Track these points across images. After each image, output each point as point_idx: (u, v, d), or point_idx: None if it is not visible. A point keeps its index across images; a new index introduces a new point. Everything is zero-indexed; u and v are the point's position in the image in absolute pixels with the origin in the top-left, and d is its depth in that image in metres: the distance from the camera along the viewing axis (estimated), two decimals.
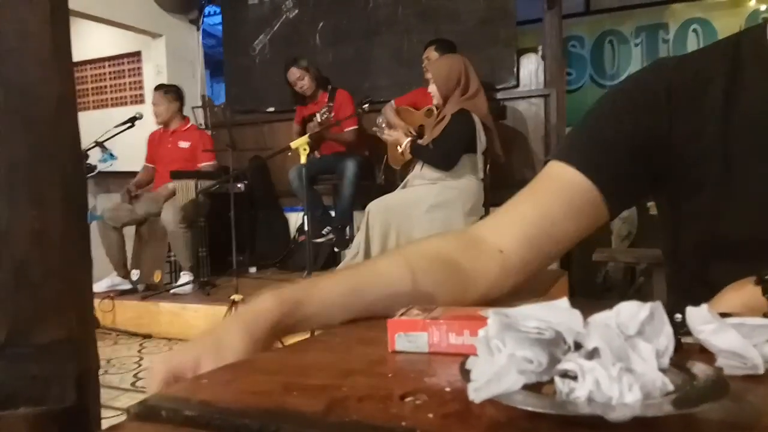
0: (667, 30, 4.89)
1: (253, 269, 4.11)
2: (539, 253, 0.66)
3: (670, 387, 0.30)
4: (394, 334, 0.45)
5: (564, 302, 0.34)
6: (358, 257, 2.69)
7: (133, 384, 2.54)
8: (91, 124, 3.11)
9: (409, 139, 2.78)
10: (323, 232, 4.02)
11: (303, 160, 2.48)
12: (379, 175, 3.93)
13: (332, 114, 3.48)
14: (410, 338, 0.44)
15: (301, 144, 2.45)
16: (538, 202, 0.67)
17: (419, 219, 2.63)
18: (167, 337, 3.19)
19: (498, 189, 3.32)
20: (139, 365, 2.82)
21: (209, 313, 3.14)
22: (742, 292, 0.57)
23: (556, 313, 0.33)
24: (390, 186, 3.46)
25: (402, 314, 0.46)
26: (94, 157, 3.46)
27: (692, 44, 4.80)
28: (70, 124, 0.81)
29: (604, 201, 0.66)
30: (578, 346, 0.32)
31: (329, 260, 3.98)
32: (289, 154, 2.91)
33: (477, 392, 0.30)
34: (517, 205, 0.68)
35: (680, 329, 0.41)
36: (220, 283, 3.61)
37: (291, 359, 0.45)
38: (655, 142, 0.67)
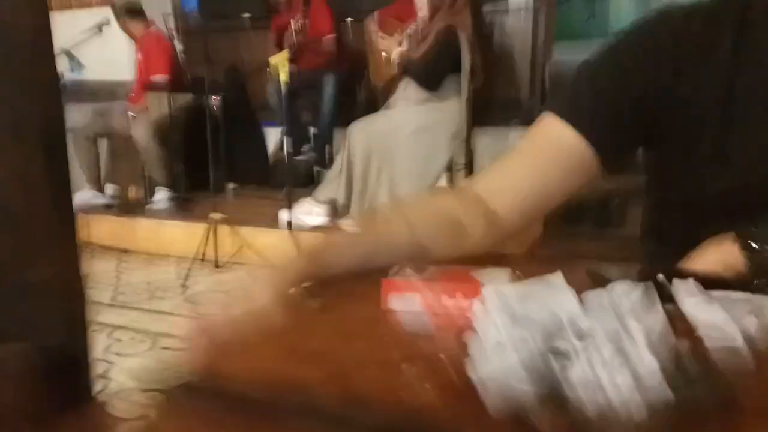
0: None
1: (231, 185, 4.08)
2: (532, 215, 0.68)
3: (658, 372, 0.31)
4: (387, 293, 0.46)
5: (559, 278, 0.35)
6: (339, 180, 2.68)
7: (112, 299, 2.57)
8: (55, 29, 2.93)
9: (401, 49, 2.67)
10: (302, 149, 3.98)
11: (282, 77, 2.39)
12: (359, 92, 3.84)
13: (307, 20, 3.32)
14: (404, 299, 0.45)
15: (280, 60, 2.35)
16: (535, 167, 0.68)
17: (403, 142, 2.60)
18: (146, 252, 3.21)
19: (482, 109, 3.29)
20: (118, 279, 2.84)
21: (187, 230, 3.14)
22: (721, 249, 0.59)
23: (552, 292, 0.34)
24: (371, 104, 3.39)
25: (395, 273, 0.47)
26: (62, 65, 3.29)
27: None
28: (47, 59, 0.76)
29: (599, 161, 0.67)
30: (573, 325, 0.33)
31: (309, 178, 3.96)
32: (268, 69, 2.80)
33: (475, 369, 0.31)
34: (515, 166, 0.69)
35: (662, 291, 0.43)
36: (198, 200, 3.58)
37: (293, 322, 0.46)
38: (658, 99, 0.66)
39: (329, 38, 3.52)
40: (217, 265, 2.90)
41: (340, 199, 2.71)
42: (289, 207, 2.52)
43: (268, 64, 2.44)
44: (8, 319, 0.68)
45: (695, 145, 0.66)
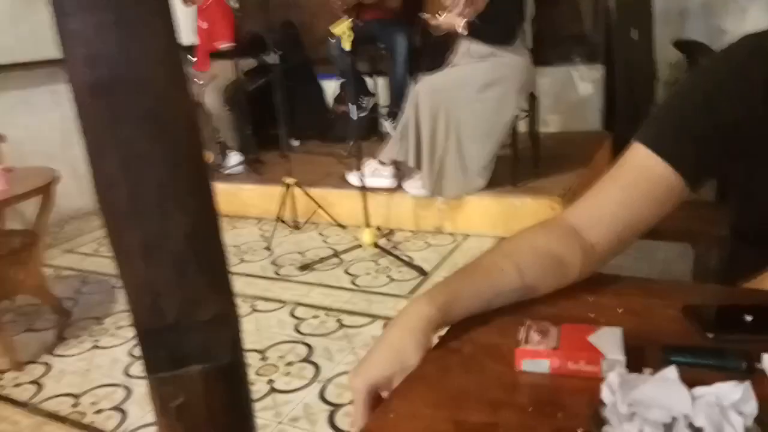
0: None
1: (295, 142, 4.21)
2: (625, 244, 0.74)
3: None
4: (521, 359, 0.57)
5: (673, 374, 0.46)
6: (406, 139, 2.73)
7: None
8: None
9: (465, 21, 2.63)
10: (362, 102, 4.02)
11: (347, 46, 2.43)
12: (415, 39, 3.81)
13: None
14: (535, 363, 0.57)
15: (343, 30, 2.39)
16: (625, 198, 0.73)
17: (470, 99, 2.61)
18: (226, 215, 3.42)
19: (545, 47, 3.22)
20: None
21: (264, 193, 3.33)
22: None
23: (669, 392, 0.44)
24: (432, 56, 3.38)
25: (524, 340, 0.58)
26: None
27: None
28: (197, 137, 0.88)
29: (686, 187, 0.72)
30: (686, 419, 0.44)
31: (371, 131, 4.04)
32: (330, 38, 2.84)
33: None
34: (606, 198, 0.74)
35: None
36: (268, 160, 3.75)
37: (443, 384, 0.58)
38: (747, 126, 0.69)
39: None
40: (295, 227, 3.09)
41: (410, 159, 2.77)
42: (359, 169, 2.62)
43: (332, 31, 2.47)
44: (190, 347, 0.84)
45: None
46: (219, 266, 0.93)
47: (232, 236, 3.15)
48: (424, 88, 2.67)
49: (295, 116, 4.26)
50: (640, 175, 0.75)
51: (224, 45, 3.61)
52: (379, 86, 4.05)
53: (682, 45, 4.13)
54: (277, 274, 2.63)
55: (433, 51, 2.88)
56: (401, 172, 2.92)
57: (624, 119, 3.11)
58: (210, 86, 3.52)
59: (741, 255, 0.87)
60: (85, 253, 3.12)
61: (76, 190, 2.85)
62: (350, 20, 2.44)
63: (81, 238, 3.35)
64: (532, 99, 2.94)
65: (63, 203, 3.28)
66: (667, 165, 0.72)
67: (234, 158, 3.65)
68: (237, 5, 3.95)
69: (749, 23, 4.53)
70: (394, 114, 3.57)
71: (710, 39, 4.11)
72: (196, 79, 3.67)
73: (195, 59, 3.79)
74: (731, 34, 0.83)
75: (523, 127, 2.99)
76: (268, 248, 2.90)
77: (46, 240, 2.62)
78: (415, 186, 2.84)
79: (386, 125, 3.89)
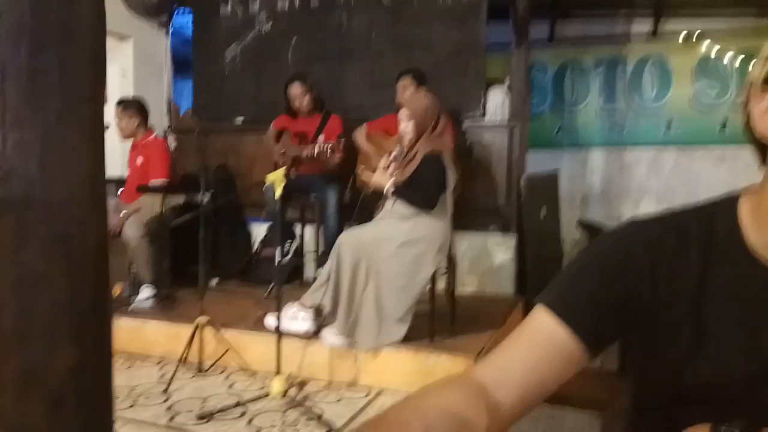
0: (625, 64, 5.14)
1: (213, 281, 4.12)
2: (530, 405, 0.76)
3: None
4: None
5: None
6: (327, 287, 2.76)
7: None
8: None
9: (392, 181, 2.84)
10: (286, 246, 4.06)
11: (278, 193, 2.52)
12: (346, 194, 4.00)
13: (332, 151, 3.50)
14: None
15: (277, 178, 2.49)
16: (532, 361, 0.75)
17: (390, 254, 2.71)
18: (127, 351, 3.18)
19: (463, 215, 3.46)
20: None
21: (172, 331, 3.15)
22: None
23: None
24: (355, 205, 3.55)
25: None
26: None
27: (648, 80, 5.07)
28: (103, 266, 0.86)
29: (587, 352, 0.76)
30: None
31: (294, 275, 4.04)
32: (265, 185, 2.95)
33: None
34: (514, 359, 0.76)
35: None
36: (182, 297, 3.61)
37: None
38: (637, 304, 0.76)
39: (340, 156, 3.67)
40: (200, 370, 2.89)
41: (327, 306, 2.77)
42: (278, 312, 2.58)
43: (268, 179, 2.56)
44: None
45: (673, 341, 0.76)
46: (101, 408, 0.85)
47: (127, 376, 2.89)
48: (348, 239, 2.76)
49: (217, 255, 4.22)
50: (544, 338, 0.78)
51: (159, 181, 3.64)
52: (305, 234, 4.13)
53: (584, 225, 4.58)
54: (170, 421, 2.39)
55: (361, 206, 3.03)
56: (320, 319, 2.89)
57: (534, 287, 3.30)
58: (132, 218, 3.47)
59: (640, 427, 0.89)
60: None
61: None
62: (285, 170, 2.56)
63: None
64: (451, 260, 3.08)
65: None
66: (569, 330, 0.76)
67: (145, 292, 3.48)
68: (175, 144, 4.07)
69: (642, 209, 5.13)
70: (323, 262, 3.62)
71: (609, 221, 4.60)
72: (119, 210, 3.61)
73: (121, 190, 3.77)
74: (627, 217, 0.95)
75: (440, 285, 3.10)
76: (165, 392, 2.68)
77: None
78: (332, 335, 2.79)
79: (311, 271, 3.92)
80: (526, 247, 3.83)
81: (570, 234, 4.40)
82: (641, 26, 5.03)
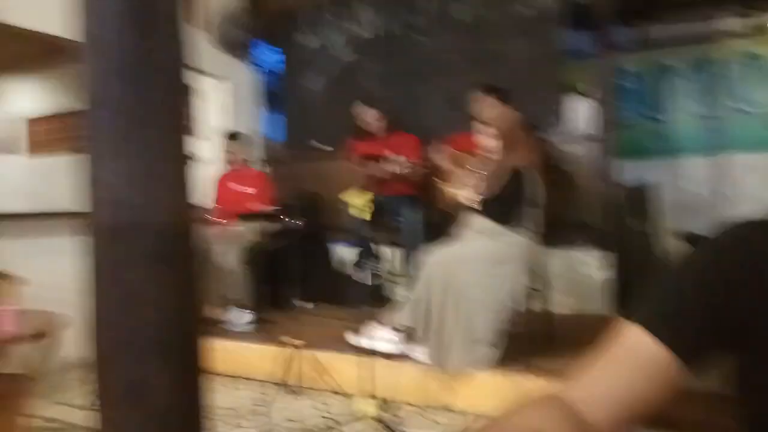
0: (723, 65, 4.80)
1: (307, 304, 4.23)
2: (622, 426, 0.71)
3: None
4: None
5: None
6: (415, 308, 2.75)
7: None
8: None
9: (476, 197, 2.82)
10: (373, 269, 4.11)
11: (366, 216, 2.57)
12: (429, 214, 4.01)
13: (409, 167, 3.57)
14: None
15: (364, 201, 2.55)
16: (624, 380, 0.70)
17: (479, 274, 2.66)
18: (227, 373, 3.32)
19: (554, 232, 3.36)
20: None
21: (268, 353, 3.26)
22: None
23: None
24: (437, 224, 3.54)
25: None
26: None
27: (746, 81, 4.71)
28: (199, 286, 0.92)
29: (684, 369, 0.70)
30: None
31: (381, 297, 4.07)
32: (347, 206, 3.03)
33: None
34: (605, 378, 0.72)
35: None
36: (277, 319, 3.74)
37: None
38: (738, 316, 0.69)
39: (421, 167, 3.72)
40: (297, 392, 2.97)
41: (415, 327, 2.76)
42: (367, 333, 2.61)
43: (345, 200, 2.63)
44: None
45: None
46: (200, 423, 0.90)
47: (228, 397, 3.02)
48: (434, 260, 2.75)
49: (308, 279, 4.35)
50: (638, 357, 0.73)
51: (269, 208, 3.93)
52: (391, 255, 4.16)
53: (687, 237, 4.27)
54: None
55: (442, 224, 3.02)
56: (403, 338, 2.88)
57: (634, 305, 3.11)
58: (231, 244, 3.66)
59: None
60: (76, 405, 2.99)
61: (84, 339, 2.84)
62: (361, 190, 2.60)
63: (79, 388, 3.24)
64: (543, 279, 2.98)
65: (70, 352, 3.24)
66: (665, 348, 0.71)
67: (244, 316, 3.64)
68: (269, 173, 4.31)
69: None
70: (410, 283, 3.63)
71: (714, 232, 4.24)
72: (219, 237, 3.83)
73: (217, 219, 4.00)
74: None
75: (535, 305, 2.99)
76: (265, 414, 2.77)
77: (39, 388, 2.54)
78: (421, 353, 2.77)
79: (399, 292, 3.93)
80: (624, 263, 3.64)
81: (671, 247, 4.13)
82: (735, 23, 4.69)
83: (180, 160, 0.69)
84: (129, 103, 0.69)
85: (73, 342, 2.54)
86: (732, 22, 4.71)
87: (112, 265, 0.70)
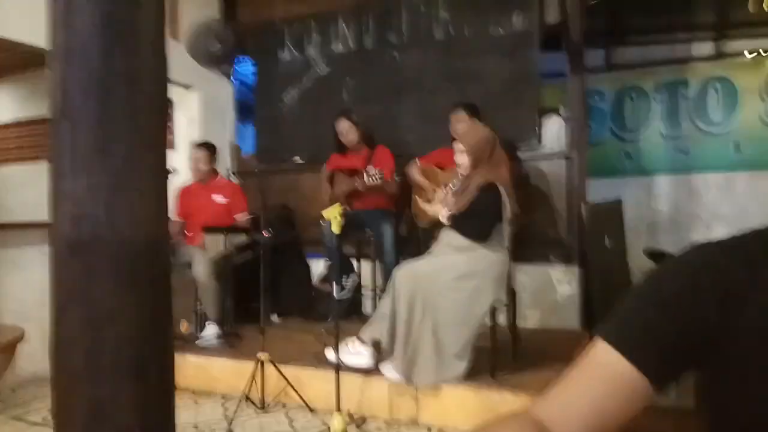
0: (687, 87, 4.97)
1: (274, 317, 4.18)
2: None
3: None
4: None
5: None
6: (384, 322, 2.74)
7: None
8: None
9: (449, 212, 2.83)
10: (344, 281, 4.09)
11: (336, 229, 2.56)
12: (401, 228, 4.02)
13: (382, 177, 3.55)
14: None
15: (334, 213, 2.53)
16: (593, 397, 0.72)
17: (448, 288, 2.68)
18: (192, 388, 3.26)
19: (523, 247, 3.39)
20: None
21: (235, 368, 3.21)
22: None
23: None
24: (411, 239, 3.56)
25: None
26: None
27: (713, 102, 4.87)
28: (167, 303, 0.90)
29: (652, 386, 0.72)
30: None
31: (353, 311, 4.06)
32: (321, 221, 3.00)
33: None
34: (574, 395, 0.73)
35: None
36: (244, 333, 3.68)
37: None
38: (704, 334, 0.70)
39: (395, 183, 3.71)
40: (262, 406, 2.92)
41: (384, 340, 2.75)
42: (337, 347, 2.58)
43: (324, 215, 2.61)
44: None
45: (747, 374, 0.69)
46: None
47: (193, 413, 2.95)
48: (404, 273, 2.75)
49: (278, 292, 4.30)
50: (605, 373, 0.74)
51: (244, 215, 3.90)
52: (363, 269, 4.15)
53: (652, 254, 4.37)
54: None
55: (415, 239, 3.03)
56: (380, 354, 2.87)
57: (601, 320, 3.15)
58: (200, 257, 3.60)
59: None
60: (33, 422, 2.88)
61: (41, 353, 2.74)
62: (341, 206, 2.60)
63: (33, 403, 3.12)
64: (511, 294, 3.00)
65: (26, 365, 3.13)
66: (631, 364, 0.72)
67: (210, 329, 3.58)
68: (239, 184, 4.24)
69: (714, 236, 4.84)
70: (380, 296, 3.63)
71: (679, 250, 4.35)
72: (190, 251, 3.77)
73: (189, 234, 3.93)
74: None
75: (502, 320, 3.01)
76: (229, 429, 2.71)
77: None
78: (391, 369, 2.76)
79: (371, 306, 3.92)
80: (591, 279, 3.70)
81: (638, 264, 4.21)
82: (701, 48, 4.87)
83: (153, 173, 0.68)
84: (96, 117, 0.67)
85: (32, 356, 2.46)
86: (699, 47, 4.88)
87: (75, 281, 0.68)
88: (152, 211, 0.68)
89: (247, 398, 2.90)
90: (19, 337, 2.10)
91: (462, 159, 2.84)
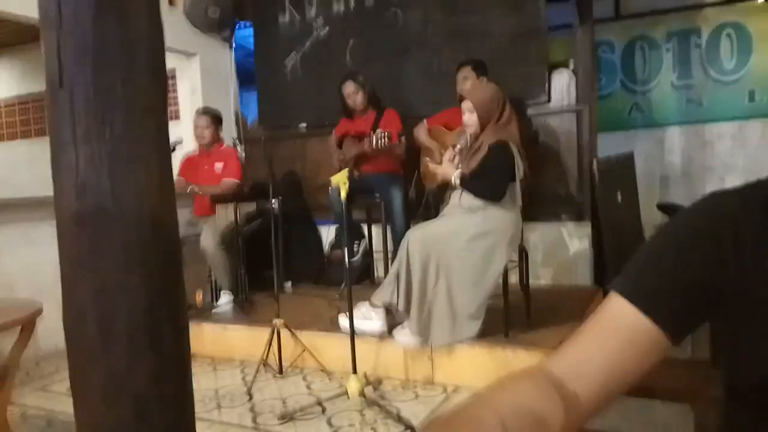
0: (699, 35, 4.82)
1: (288, 284, 4.22)
2: (610, 398, 0.71)
3: None
4: None
5: None
6: (397, 285, 2.74)
7: None
8: None
9: (459, 171, 2.79)
10: (355, 247, 4.10)
11: (343, 194, 2.54)
12: (411, 191, 3.99)
13: (388, 139, 3.45)
14: None
15: (341, 179, 2.51)
16: (608, 351, 0.71)
17: (460, 249, 2.66)
18: (211, 356, 3.31)
19: (534, 205, 3.37)
20: None
21: (251, 335, 3.25)
22: None
23: None
24: (420, 202, 3.53)
25: None
26: None
27: (725, 49, 4.73)
28: (177, 273, 0.89)
29: (669, 338, 0.71)
30: None
31: (364, 275, 4.08)
32: (330, 187, 2.97)
33: None
34: (589, 350, 0.72)
35: None
36: (259, 301, 3.72)
37: None
38: (720, 282, 0.69)
39: (401, 145, 3.63)
40: (280, 371, 2.97)
41: (400, 303, 2.76)
42: (350, 312, 2.60)
43: (332, 182, 2.59)
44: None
45: (764, 321, 0.68)
46: (183, 412, 0.88)
47: (212, 379, 3.01)
48: (416, 236, 2.73)
49: (290, 259, 4.33)
50: (621, 327, 0.73)
51: (229, 180, 3.79)
52: (373, 233, 4.15)
53: (665, 208, 4.33)
54: (254, 422, 2.47)
55: (427, 203, 3.00)
56: (392, 317, 2.89)
57: (614, 276, 3.15)
58: (208, 227, 3.61)
59: (736, 418, 0.82)
60: (56, 392, 2.96)
61: (59, 326, 2.79)
62: (348, 171, 2.57)
63: (56, 375, 3.20)
64: (523, 252, 2.99)
65: (45, 339, 3.19)
66: (646, 317, 0.71)
67: (225, 298, 3.62)
68: (244, 154, 4.20)
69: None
70: (391, 260, 3.62)
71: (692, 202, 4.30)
72: (193, 223, 3.77)
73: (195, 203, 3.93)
74: None
75: (514, 279, 3.02)
76: (248, 394, 2.76)
77: (17, 376, 2.50)
78: (404, 334, 2.78)
79: (382, 270, 3.93)
80: (604, 235, 3.68)
81: (651, 218, 4.18)
82: None
83: (155, 142, 0.66)
84: (98, 85, 0.65)
85: (52, 330, 2.51)
86: None
87: (82, 253, 0.67)
88: (157, 180, 0.67)
89: (265, 364, 2.95)
90: (38, 312, 2.13)
91: (470, 118, 2.79)
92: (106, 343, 0.68)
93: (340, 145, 3.95)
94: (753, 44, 4.65)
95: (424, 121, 3.72)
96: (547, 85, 3.91)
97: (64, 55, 0.66)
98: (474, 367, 2.70)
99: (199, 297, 3.71)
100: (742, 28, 4.69)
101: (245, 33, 5.21)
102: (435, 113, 3.75)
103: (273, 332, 2.93)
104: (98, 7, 0.72)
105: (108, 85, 0.65)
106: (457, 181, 2.78)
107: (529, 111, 3.91)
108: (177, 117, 4.87)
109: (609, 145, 4.13)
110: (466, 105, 2.81)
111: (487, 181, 2.71)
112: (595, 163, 3.66)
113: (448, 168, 2.86)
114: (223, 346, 3.33)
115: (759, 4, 4.61)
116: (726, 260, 0.70)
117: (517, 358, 2.61)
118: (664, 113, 4.93)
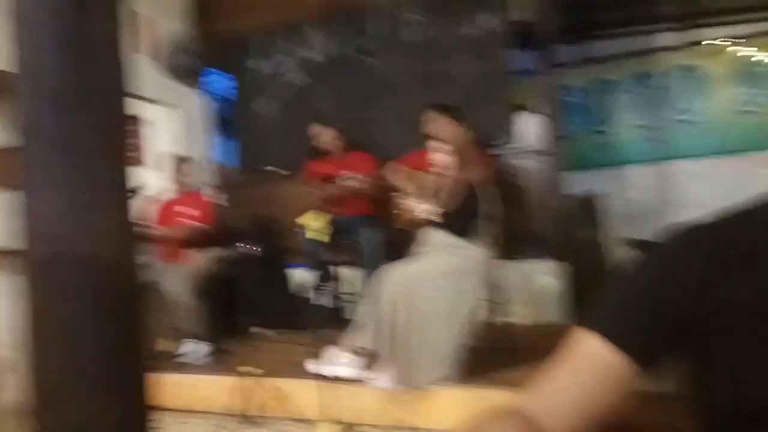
0: (657, 77, 5.05)
1: (256, 329, 4.13)
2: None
3: None
4: None
5: None
6: (369, 327, 2.72)
7: None
8: None
9: (428, 211, 2.84)
10: (324, 288, 4.06)
11: (317, 236, 2.54)
12: (384, 234, 3.99)
13: (358, 180, 3.49)
14: None
15: (308, 221, 2.51)
16: (580, 387, 0.71)
17: (431, 288, 2.66)
18: (178, 407, 3.18)
19: (506, 244, 3.40)
20: None
21: (220, 384, 3.14)
22: None
23: None
24: (395, 246, 3.54)
25: None
26: None
27: (682, 92, 4.96)
28: (139, 317, 0.87)
29: (639, 371, 0.70)
30: None
31: (335, 319, 4.03)
32: (299, 228, 2.97)
33: None
34: (561, 386, 0.72)
35: None
36: (229, 349, 3.62)
37: None
38: (689, 315, 0.70)
39: (378, 184, 3.69)
40: (249, 420, 2.87)
41: (371, 347, 2.72)
42: (321, 357, 2.55)
43: (298, 222, 2.59)
44: None
45: (734, 353, 0.69)
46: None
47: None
48: (387, 277, 2.73)
49: (261, 304, 4.25)
50: (591, 361, 0.73)
51: (202, 226, 3.76)
52: (351, 276, 4.12)
53: (634, 243, 4.43)
54: None
55: (401, 243, 3.02)
56: (364, 361, 2.84)
57: (582, 312, 3.16)
58: (177, 273, 3.54)
59: None
60: None
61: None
62: (318, 212, 2.58)
63: None
64: (496, 290, 3.01)
65: (8, 396, 3.03)
66: (617, 349, 0.71)
67: (195, 347, 3.52)
68: (224, 199, 4.20)
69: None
70: (367, 303, 3.60)
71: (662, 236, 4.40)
72: (167, 268, 3.70)
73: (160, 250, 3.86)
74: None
75: (490, 317, 3.01)
76: None
77: None
78: (378, 378, 2.73)
79: (359, 314, 3.89)
80: (577, 272, 3.73)
81: (622, 254, 4.26)
82: (670, 38, 4.95)
83: (120, 189, 0.66)
84: (63, 132, 0.65)
85: (12, 386, 2.39)
86: (669, 37, 4.97)
87: (48, 301, 0.66)
88: (116, 227, 0.66)
89: (235, 414, 2.85)
90: (3, 367, 2.03)
91: (438, 157, 2.85)
92: (69, 394, 0.66)
93: (312, 184, 3.99)
94: (709, 86, 4.88)
95: (393, 162, 3.77)
96: (512, 127, 4.03)
97: (39, 103, 0.66)
98: (451, 408, 2.65)
99: (161, 345, 3.59)
100: (698, 71, 4.93)
101: (225, 83, 5.27)
102: (407, 155, 3.81)
103: (243, 381, 2.85)
104: (77, 57, 0.73)
105: (71, 131, 0.65)
106: (435, 219, 2.81)
107: (496, 152, 4.01)
108: (140, 163, 4.84)
109: (576, 185, 4.23)
110: (435, 145, 2.88)
111: (463, 220, 2.75)
112: (566, 202, 3.75)
113: (425, 207, 2.90)
114: (197, 398, 3.20)
115: (709, 47, 4.86)
116: (693, 293, 0.71)
117: (495, 398, 2.58)
118: (627, 152, 5.10)
